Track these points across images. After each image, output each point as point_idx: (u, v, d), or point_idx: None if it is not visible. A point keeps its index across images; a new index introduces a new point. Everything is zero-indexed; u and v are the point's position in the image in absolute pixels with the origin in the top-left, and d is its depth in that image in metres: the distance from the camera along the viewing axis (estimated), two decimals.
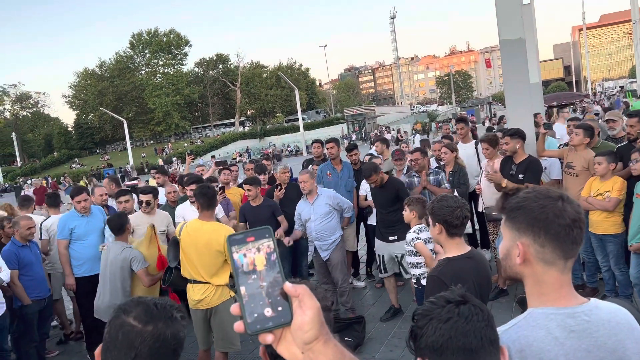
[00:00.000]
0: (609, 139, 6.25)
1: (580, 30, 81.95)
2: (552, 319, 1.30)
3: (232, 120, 77.30)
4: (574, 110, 25.24)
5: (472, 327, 1.14)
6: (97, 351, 1.31)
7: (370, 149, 10.53)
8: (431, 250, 4.36)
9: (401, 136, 34.73)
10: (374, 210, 6.11)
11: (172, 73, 72.04)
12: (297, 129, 49.02)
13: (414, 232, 4.45)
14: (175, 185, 7.20)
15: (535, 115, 8.33)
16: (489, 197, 5.92)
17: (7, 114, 77.54)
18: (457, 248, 2.76)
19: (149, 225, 5.06)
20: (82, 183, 21.56)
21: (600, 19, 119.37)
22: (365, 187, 6.46)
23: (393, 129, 43.82)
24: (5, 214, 6.41)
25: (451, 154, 6.46)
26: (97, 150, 75.48)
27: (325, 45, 77.58)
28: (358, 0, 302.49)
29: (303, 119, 48.80)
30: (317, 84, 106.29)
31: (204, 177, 6.88)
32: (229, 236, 0.86)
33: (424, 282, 4.45)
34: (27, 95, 79.96)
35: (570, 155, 5.60)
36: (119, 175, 31.25)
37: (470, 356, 1.11)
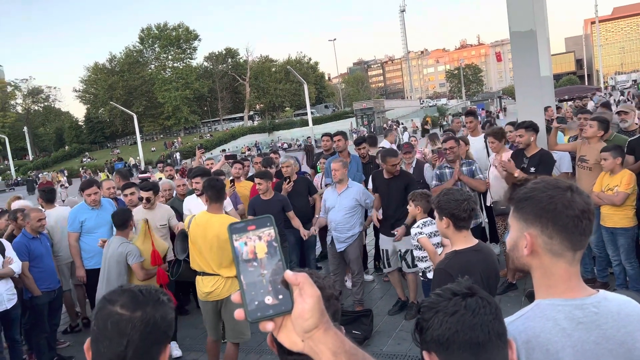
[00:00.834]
0: (621, 132, 6.18)
1: (593, 23, 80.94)
2: (560, 310, 1.28)
3: (241, 115, 77.41)
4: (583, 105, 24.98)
5: (479, 321, 1.11)
6: (86, 345, 1.31)
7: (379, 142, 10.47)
8: (436, 244, 4.38)
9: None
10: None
11: (181, 67, 72.22)
12: (305, 123, 48.99)
13: (418, 226, 4.46)
14: (185, 179, 7.23)
15: (546, 108, 8.25)
16: (496, 191, 5.88)
17: (19, 109, 78.32)
18: (465, 241, 2.75)
19: (142, 220, 5.06)
20: (103, 175, 21.77)
21: (613, 11, 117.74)
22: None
23: (402, 123, 43.65)
24: (29, 204, 6.48)
25: (464, 146, 6.43)
26: (108, 145, 75.94)
27: (335, 39, 77.80)
28: None
29: (312, 113, 48.74)
30: (326, 78, 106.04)
31: (213, 170, 6.90)
32: (230, 224, 0.86)
33: (429, 275, 4.45)
34: (39, 90, 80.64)
35: (584, 149, 5.54)
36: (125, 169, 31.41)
37: (477, 350, 1.09)
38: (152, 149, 61.00)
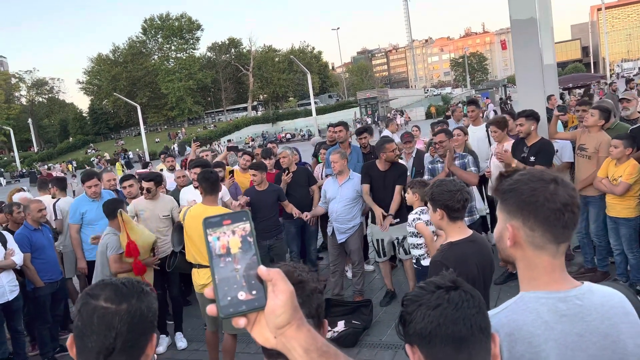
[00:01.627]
0: (622, 120, 6.13)
1: (599, 10, 79.94)
2: (543, 302, 1.27)
3: (244, 105, 77.30)
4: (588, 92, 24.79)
5: (462, 315, 1.10)
6: (69, 342, 1.30)
7: (382, 132, 10.45)
8: (433, 231, 4.39)
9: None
10: None
11: (184, 58, 72.07)
12: (309, 113, 48.87)
13: (416, 213, 4.46)
14: (186, 170, 7.24)
15: (549, 97, 8.19)
16: None
17: (23, 100, 78.51)
18: (459, 232, 2.74)
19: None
20: (118, 166, 21.97)
21: None
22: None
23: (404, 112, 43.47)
24: (29, 195, 6.56)
25: (462, 138, 6.39)
26: (112, 136, 76.11)
27: (338, 28, 76.89)
28: None
29: (315, 103, 48.62)
30: (330, 67, 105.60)
31: (214, 162, 6.90)
32: (205, 218, 0.85)
33: (424, 262, 4.46)
34: (43, 81, 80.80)
35: (583, 137, 5.50)
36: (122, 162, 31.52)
37: (459, 344, 1.09)
38: (156, 140, 61.10)
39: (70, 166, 42.26)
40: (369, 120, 48.72)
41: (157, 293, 4.76)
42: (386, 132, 9.45)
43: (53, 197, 6.58)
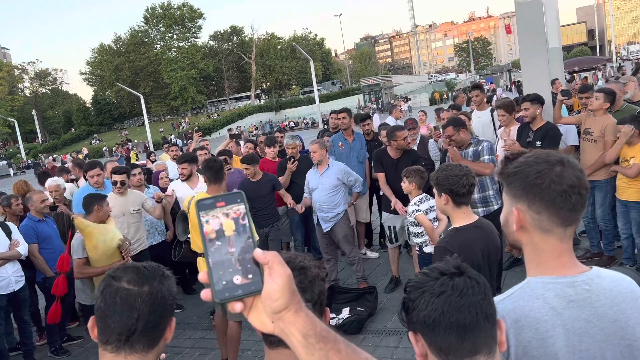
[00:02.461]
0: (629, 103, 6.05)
1: None
2: (550, 288, 1.25)
3: (247, 94, 77.02)
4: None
5: (467, 302, 1.07)
6: (90, 323, 1.33)
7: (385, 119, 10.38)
8: (432, 219, 4.38)
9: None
10: None
11: (186, 47, 71.71)
12: (313, 101, 48.61)
13: (414, 204, 4.44)
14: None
15: (554, 81, 8.09)
16: None
17: (27, 92, 78.48)
18: (465, 217, 2.71)
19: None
20: (132, 154, 22.07)
21: None
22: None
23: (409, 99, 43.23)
24: (61, 181, 6.64)
25: (469, 121, 6.35)
26: (116, 126, 76.13)
27: (341, 14, 76.25)
28: None
29: (319, 90, 48.34)
30: (333, 54, 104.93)
31: (217, 150, 6.86)
32: (198, 200, 0.82)
33: (426, 249, 4.44)
34: (46, 73, 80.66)
35: (589, 121, 5.44)
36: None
37: (463, 332, 1.06)
38: (160, 130, 61.05)
39: (81, 156, 42.41)
40: (374, 107, 48.51)
41: None
42: (390, 119, 9.39)
43: (67, 182, 6.69)
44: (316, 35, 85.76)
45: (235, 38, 79.20)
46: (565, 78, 15.62)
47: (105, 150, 48.77)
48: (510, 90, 40.63)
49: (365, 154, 6.75)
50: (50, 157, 39.10)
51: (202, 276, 0.81)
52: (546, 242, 1.27)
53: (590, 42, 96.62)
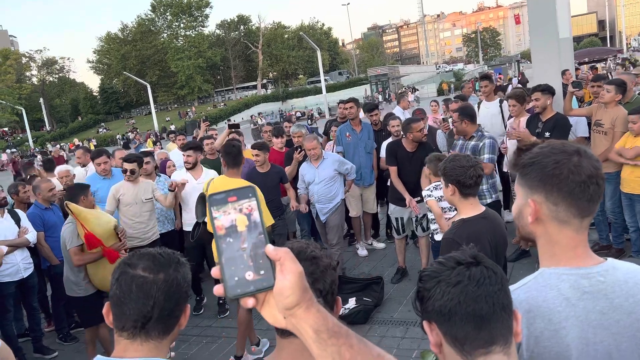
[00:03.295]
0: None
1: None
2: (564, 279, 1.23)
3: (254, 83, 76.92)
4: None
5: (484, 292, 1.06)
6: (105, 309, 1.36)
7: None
8: (449, 207, 4.35)
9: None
10: None
11: (193, 35, 71.58)
12: (319, 91, 48.50)
13: (428, 189, 4.42)
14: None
15: (564, 72, 8.01)
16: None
17: (34, 80, 78.72)
18: (472, 208, 2.69)
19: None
20: (149, 142, 22.15)
21: None
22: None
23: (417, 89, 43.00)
24: (71, 168, 6.74)
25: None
26: (123, 115, 76.31)
27: (348, 3, 75.41)
28: None
29: (326, 80, 48.17)
30: (340, 44, 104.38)
31: (217, 142, 6.82)
32: (210, 195, 0.82)
33: (436, 237, 4.43)
34: (53, 61, 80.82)
35: (599, 113, 5.38)
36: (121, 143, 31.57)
37: (480, 323, 1.05)
38: (167, 119, 61.18)
39: (91, 144, 42.65)
40: (380, 98, 48.30)
41: None
42: (397, 109, 9.33)
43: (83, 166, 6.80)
44: (323, 24, 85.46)
45: (242, 27, 78.98)
46: (577, 69, 15.47)
47: (118, 138, 48.85)
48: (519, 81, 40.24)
49: (373, 145, 6.72)
50: (57, 146, 39.33)
51: (215, 272, 0.81)
52: (562, 234, 1.25)
53: (601, 32, 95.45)
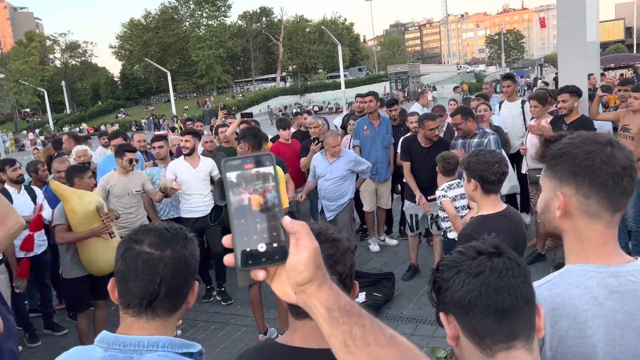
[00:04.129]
0: None
1: None
2: (592, 277, 1.17)
3: (273, 76, 76.94)
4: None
5: (506, 284, 1.00)
6: (110, 285, 1.32)
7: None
8: (462, 207, 4.29)
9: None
10: None
11: (215, 25, 71.76)
12: (338, 86, 48.27)
13: (443, 189, 4.36)
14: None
15: (589, 76, 7.85)
16: (533, 158, 5.66)
17: (57, 63, 79.70)
18: (493, 206, 2.62)
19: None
20: (177, 126, 22.39)
21: None
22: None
23: (432, 88, 42.62)
24: (88, 148, 6.81)
25: (490, 112, 6.22)
26: (142, 101, 76.92)
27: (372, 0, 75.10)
28: None
29: (345, 76, 47.95)
30: (361, 40, 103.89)
31: (229, 131, 6.79)
32: (225, 160, 0.77)
33: (450, 235, 4.37)
34: (76, 45, 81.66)
35: (627, 118, 5.28)
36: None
37: (501, 316, 0.99)
38: (185, 107, 61.50)
39: (113, 128, 43.22)
40: (400, 95, 47.94)
41: None
42: (416, 106, 9.24)
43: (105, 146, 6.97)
44: (345, 19, 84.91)
45: (264, 19, 78.97)
46: (603, 74, 15.20)
47: (145, 123, 49.12)
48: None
49: (391, 139, 6.65)
50: (77, 128, 39.81)
51: (226, 240, 0.77)
52: (592, 229, 1.19)
53: (628, 40, 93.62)
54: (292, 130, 7.08)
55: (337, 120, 9.13)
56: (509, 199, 6.21)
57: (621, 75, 17.01)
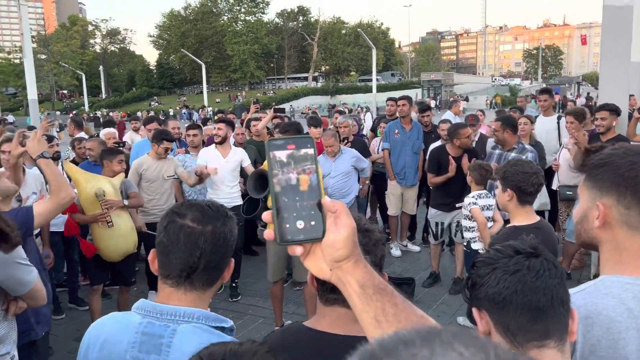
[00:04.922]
0: None
1: None
2: (628, 289, 1.16)
3: (305, 75, 77.21)
4: None
5: (543, 284, 1.01)
6: (151, 256, 1.37)
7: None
8: (487, 218, 4.26)
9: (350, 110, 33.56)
10: None
11: (252, 21, 72.45)
12: (369, 90, 48.18)
13: (473, 197, 4.33)
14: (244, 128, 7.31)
15: (630, 97, 7.67)
16: (565, 174, 5.56)
17: (97, 48, 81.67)
18: (527, 217, 2.60)
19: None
20: (216, 117, 22.88)
21: None
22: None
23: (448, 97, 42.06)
24: (115, 131, 7.06)
25: (530, 125, 6.12)
26: (176, 91, 78.17)
27: (410, 5, 75.19)
28: None
29: (377, 80, 47.81)
30: (397, 45, 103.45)
31: (260, 125, 6.85)
32: (269, 140, 0.82)
33: (474, 245, 4.33)
34: (117, 31, 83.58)
35: None
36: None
37: (536, 315, 1.00)
38: (217, 100, 62.25)
39: (145, 114, 44.15)
40: (432, 104, 47.57)
41: None
42: (449, 114, 9.17)
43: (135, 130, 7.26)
44: (382, 24, 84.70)
45: (301, 18, 79.36)
46: None
47: (185, 112, 49.72)
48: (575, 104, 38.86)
49: (421, 145, 6.62)
50: (112, 113, 40.63)
51: (266, 216, 0.82)
52: (631, 240, 1.18)
53: None
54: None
55: (367, 116, 9.14)
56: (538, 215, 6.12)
57: None
